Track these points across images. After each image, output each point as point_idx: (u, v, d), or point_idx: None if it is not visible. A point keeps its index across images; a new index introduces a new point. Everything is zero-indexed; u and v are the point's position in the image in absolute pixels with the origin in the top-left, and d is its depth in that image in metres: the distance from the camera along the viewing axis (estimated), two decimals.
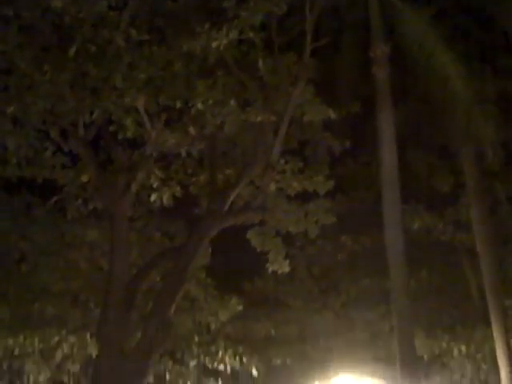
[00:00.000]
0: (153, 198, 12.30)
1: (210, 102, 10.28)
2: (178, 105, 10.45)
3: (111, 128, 11.05)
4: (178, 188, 12.39)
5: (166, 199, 12.23)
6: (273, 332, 24.47)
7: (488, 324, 17.87)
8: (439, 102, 14.27)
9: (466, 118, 14.17)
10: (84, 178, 11.75)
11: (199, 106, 10.35)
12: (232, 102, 10.41)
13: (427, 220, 20.24)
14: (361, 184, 20.44)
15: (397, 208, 14.31)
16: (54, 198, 12.49)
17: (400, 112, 15.03)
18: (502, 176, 18.58)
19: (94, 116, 10.17)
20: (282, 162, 12.30)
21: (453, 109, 14.24)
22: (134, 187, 11.03)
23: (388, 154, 13.77)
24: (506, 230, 19.82)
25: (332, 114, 11.58)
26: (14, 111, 9.76)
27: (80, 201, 12.45)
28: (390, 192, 14.09)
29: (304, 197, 13.38)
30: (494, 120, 14.41)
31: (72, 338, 12.93)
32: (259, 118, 10.81)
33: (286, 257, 13.44)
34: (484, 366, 23.07)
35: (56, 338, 12.86)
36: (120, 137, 11.22)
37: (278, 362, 24.22)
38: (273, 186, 12.40)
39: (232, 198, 11.71)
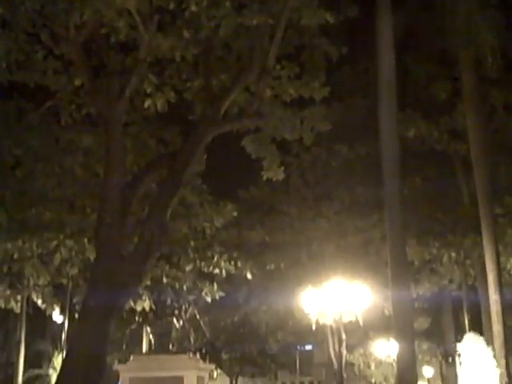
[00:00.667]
0: (147, 103, 12.13)
1: (205, 3, 9.94)
2: (172, 6, 10.12)
3: (103, 31, 10.74)
4: (173, 93, 12.19)
5: (160, 105, 12.07)
6: (267, 238, 24.95)
7: (478, 231, 18.19)
8: (440, 6, 13.90)
9: (466, 23, 13.85)
10: (77, 83, 11.54)
11: (193, 7, 10.01)
12: (227, 4, 10.07)
13: (423, 128, 20.22)
14: (357, 91, 20.24)
15: (393, 115, 14.20)
16: (48, 104, 12.33)
17: (399, 16, 14.64)
18: (499, 83, 18.39)
19: (85, 17, 9.86)
20: (278, 67, 12.06)
21: (454, 13, 13.88)
22: (127, 92, 10.85)
23: (386, 60, 13.51)
24: (501, 138, 19.84)
25: (330, 18, 11.22)
26: (2, 13, 9.46)
27: (73, 106, 12.30)
28: (387, 99, 13.94)
29: (300, 103, 13.22)
30: (495, 26, 14.09)
31: (70, 243, 13.13)
32: (255, 22, 10.47)
33: (281, 164, 13.42)
34: (472, 272, 23.73)
35: (54, 243, 13.05)
36: (112, 40, 10.93)
37: (272, 267, 24.84)
38: (268, 92, 12.22)
39: (227, 104, 11.56)
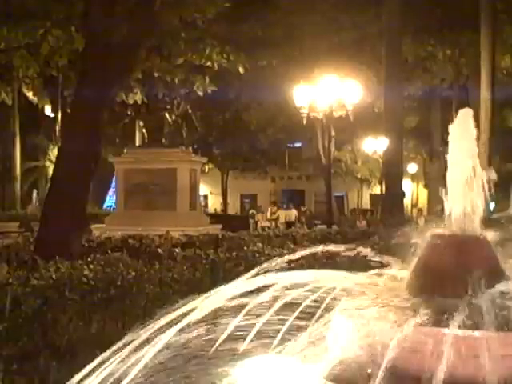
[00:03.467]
0: None
1: None
2: None
3: None
4: None
5: None
6: (259, 33, 24.30)
7: (475, 29, 17.76)
8: None
9: None
10: None
11: None
12: None
13: None
14: None
15: None
16: None
17: None
18: None
19: None
20: None
21: None
22: None
23: None
24: None
25: None
26: None
27: None
28: None
29: None
30: None
31: (57, 32, 12.68)
32: None
33: None
34: (465, 71, 23.65)
35: (41, 31, 12.60)
36: None
37: (264, 63, 24.52)
38: None
39: None
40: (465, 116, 2.80)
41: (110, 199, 32.16)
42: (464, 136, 2.76)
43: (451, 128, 2.81)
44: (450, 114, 29.66)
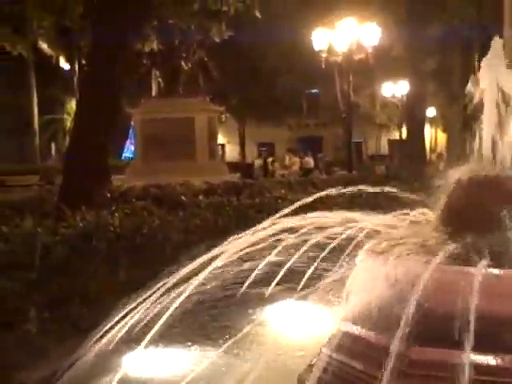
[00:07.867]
0: None
1: None
2: None
3: None
4: None
5: None
6: None
7: None
8: None
9: None
10: None
11: None
12: None
13: None
14: None
15: None
16: None
17: None
18: None
19: None
20: None
21: None
22: None
23: None
24: None
25: None
26: None
27: None
28: None
29: None
30: None
31: None
32: None
33: None
34: (486, 9, 22.92)
35: None
36: None
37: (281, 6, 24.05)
38: None
39: None
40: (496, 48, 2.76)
41: (128, 150, 32.22)
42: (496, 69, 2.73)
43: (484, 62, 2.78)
44: (472, 56, 28.94)
